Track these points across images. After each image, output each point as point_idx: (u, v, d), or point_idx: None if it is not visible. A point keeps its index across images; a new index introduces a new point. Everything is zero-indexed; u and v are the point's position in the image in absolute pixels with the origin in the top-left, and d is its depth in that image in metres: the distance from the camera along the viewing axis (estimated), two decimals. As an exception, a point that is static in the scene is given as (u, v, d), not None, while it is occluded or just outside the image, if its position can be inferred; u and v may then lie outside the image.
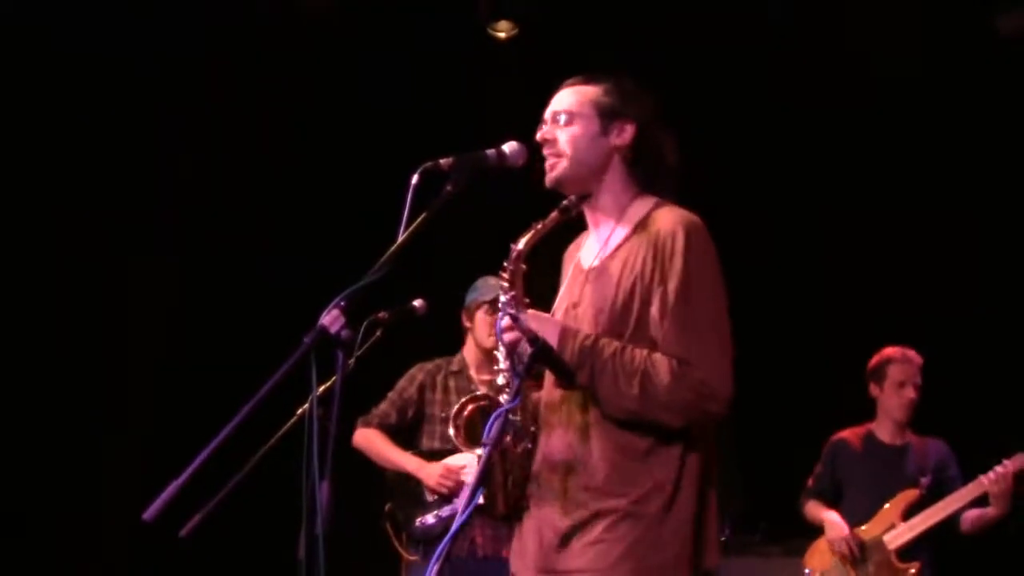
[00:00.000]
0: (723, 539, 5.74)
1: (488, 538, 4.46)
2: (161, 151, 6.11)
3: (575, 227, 2.84)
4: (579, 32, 6.07)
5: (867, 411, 5.11)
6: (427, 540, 4.47)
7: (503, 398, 2.65)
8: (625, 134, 2.72)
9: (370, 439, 4.61)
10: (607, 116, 2.71)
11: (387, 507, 4.64)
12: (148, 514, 2.28)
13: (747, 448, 5.70)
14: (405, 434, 4.66)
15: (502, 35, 6.48)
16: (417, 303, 4.08)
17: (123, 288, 6.13)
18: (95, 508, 5.96)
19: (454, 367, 4.70)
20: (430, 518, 4.50)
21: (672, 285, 2.56)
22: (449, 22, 6.19)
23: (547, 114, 2.77)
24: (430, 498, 4.52)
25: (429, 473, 4.48)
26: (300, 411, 3.50)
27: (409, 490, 4.56)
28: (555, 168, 2.72)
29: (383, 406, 4.67)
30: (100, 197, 6.04)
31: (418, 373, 4.70)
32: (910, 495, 4.91)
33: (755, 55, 6.06)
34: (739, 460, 5.78)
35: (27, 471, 5.82)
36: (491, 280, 4.59)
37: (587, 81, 2.77)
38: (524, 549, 2.70)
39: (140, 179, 6.11)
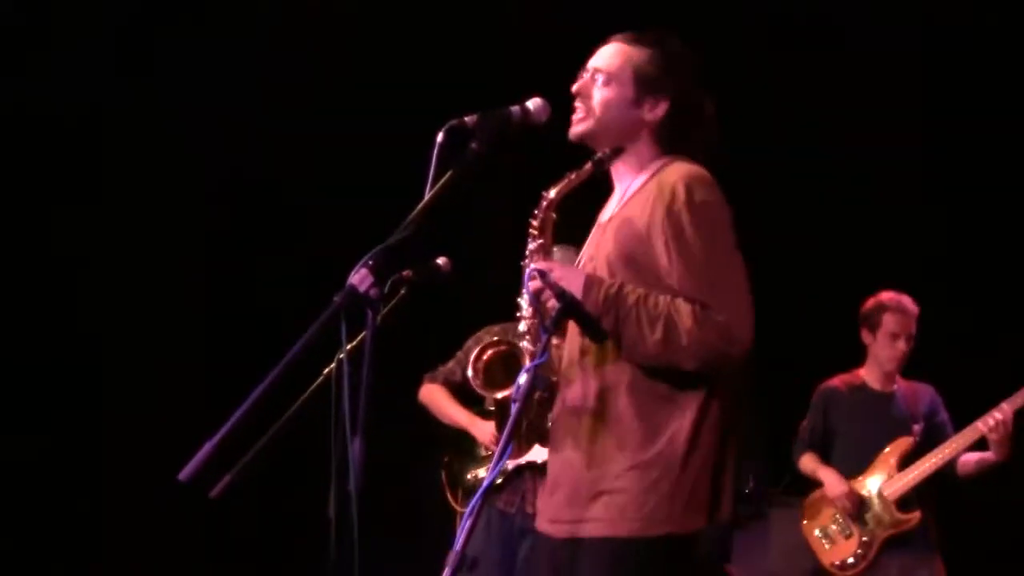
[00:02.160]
0: (746, 491, 5.78)
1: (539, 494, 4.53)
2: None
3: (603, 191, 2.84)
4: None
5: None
6: None
7: (524, 344, 2.68)
8: (657, 110, 2.72)
9: (434, 394, 4.80)
10: (644, 87, 2.71)
11: (444, 460, 4.80)
12: (184, 475, 2.31)
13: (770, 400, 5.71)
14: (470, 392, 4.69)
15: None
16: (441, 261, 4.10)
17: (151, 250, 6.18)
18: (126, 469, 6.03)
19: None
20: (483, 472, 4.62)
21: (676, 232, 2.57)
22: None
23: (588, 65, 2.77)
24: (484, 453, 4.66)
25: (482, 429, 4.61)
26: (326, 371, 3.54)
27: (465, 445, 4.71)
28: (580, 124, 2.74)
29: (450, 364, 4.83)
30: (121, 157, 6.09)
31: (485, 335, 4.75)
32: (903, 443, 4.87)
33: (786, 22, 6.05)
34: (762, 412, 5.78)
35: (55, 432, 5.90)
36: (557, 253, 4.58)
37: (634, 41, 2.76)
38: (543, 501, 2.75)
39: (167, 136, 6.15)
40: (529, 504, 4.53)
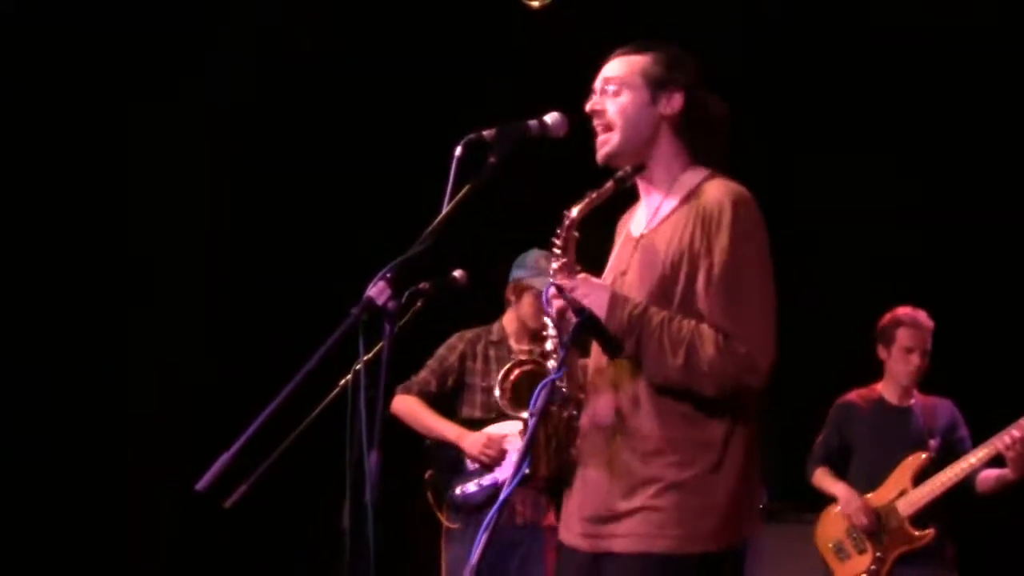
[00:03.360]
0: (760, 506, 5.76)
1: (528, 506, 4.51)
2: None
3: (626, 197, 2.84)
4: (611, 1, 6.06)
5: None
6: (468, 508, 4.51)
7: (550, 364, 2.66)
8: (674, 102, 2.70)
9: (410, 406, 4.62)
10: (656, 85, 2.70)
11: (427, 474, 4.67)
12: (201, 484, 2.31)
13: (784, 417, 5.70)
14: (444, 402, 4.68)
15: (535, 4, 6.45)
16: (458, 274, 4.11)
17: (169, 257, 6.20)
18: (143, 477, 6.05)
19: (494, 337, 4.72)
20: (471, 486, 4.54)
21: (717, 258, 2.56)
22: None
23: (596, 84, 2.76)
24: (471, 466, 4.55)
25: (472, 442, 4.51)
26: (343, 382, 3.55)
27: (449, 458, 4.59)
28: (607, 144, 2.72)
29: (423, 374, 4.68)
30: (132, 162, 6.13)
31: (458, 342, 4.72)
32: (919, 459, 4.84)
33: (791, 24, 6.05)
34: (777, 429, 5.77)
35: (80, 440, 5.92)
36: (541, 261, 4.56)
37: (635, 50, 2.75)
38: (570, 514, 2.73)
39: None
40: (519, 516, 4.51)
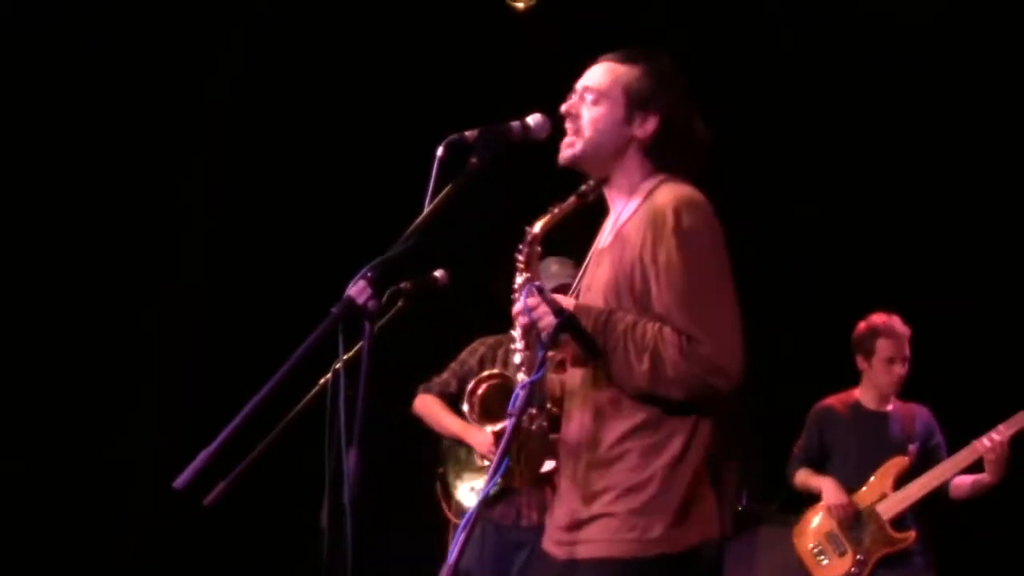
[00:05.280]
0: (740, 508, 5.79)
1: (534, 507, 4.55)
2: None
3: (596, 212, 2.85)
4: (598, 3, 6.06)
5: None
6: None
7: (520, 376, 2.67)
8: (647, 126, 2.70)
9: (429, 405, 4.77)
10: (634, 104, 2.69)
11: (439, 471, 4.78)
12: (179, 482, 2.31)
13: (768, 418, 5.72)
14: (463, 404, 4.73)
15: (520, 5, 6.46)
16: (439, 273, 4.11)
17: (155, 256, 6.19)
18: (122, 475, 6.03)
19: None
20: (480, 483, 4.61)
21: (665, 263, 2.55)
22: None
23: (578, 86, 2.76)
24: (481, 464, 4.63)
25: (479, 440, 4.56)
26: (322, 381, 3.55)
27: (461, 456, 4.70)
28: (571, 148, 2.72)
29: (444, 375, 4.82)
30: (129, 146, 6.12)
31: (479, 346, 4.80)
32: (899, 463, 4.89)
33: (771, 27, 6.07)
34: (760, 431, 5.80)
35: (57, 439, 5.90)
36: (553, 266, 4.59)
37: (623, 60, 2.74)
38: (549, 523, 2.77)
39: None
40: (524, 517, 4.56)
